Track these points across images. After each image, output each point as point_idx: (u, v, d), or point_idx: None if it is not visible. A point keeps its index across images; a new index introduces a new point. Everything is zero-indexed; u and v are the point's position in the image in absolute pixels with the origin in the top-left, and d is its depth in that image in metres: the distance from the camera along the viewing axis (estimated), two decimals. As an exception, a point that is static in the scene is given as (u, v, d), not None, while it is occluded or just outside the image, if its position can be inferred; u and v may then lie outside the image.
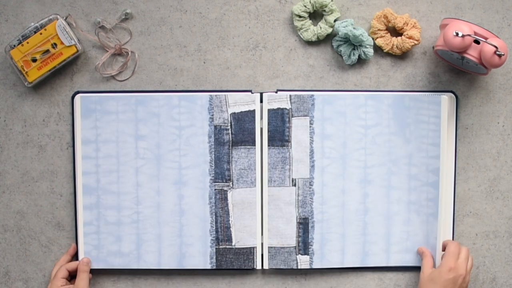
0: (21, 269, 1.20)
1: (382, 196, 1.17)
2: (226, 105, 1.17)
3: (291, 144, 1.17)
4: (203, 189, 1.18)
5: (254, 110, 1.17)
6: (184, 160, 1.17)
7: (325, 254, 1.18)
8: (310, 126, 1.17)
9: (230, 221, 1.18)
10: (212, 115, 1.17)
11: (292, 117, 1.17)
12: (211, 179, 1.18)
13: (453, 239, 1.19)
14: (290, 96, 1.16)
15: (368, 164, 1.17)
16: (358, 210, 1.17)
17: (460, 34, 1.06)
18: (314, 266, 1.18)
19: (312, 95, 1.16)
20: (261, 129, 1.17)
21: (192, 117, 1.17)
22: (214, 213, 1.18)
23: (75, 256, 1.19)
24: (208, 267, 1.18)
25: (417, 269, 1.19)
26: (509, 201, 1.20)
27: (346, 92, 1.17)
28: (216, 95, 1.17)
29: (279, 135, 1.17)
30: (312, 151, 1.17)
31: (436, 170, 1.14)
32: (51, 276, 1.17)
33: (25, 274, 1.20)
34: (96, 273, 1.19)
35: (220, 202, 1.18)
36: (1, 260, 1.20)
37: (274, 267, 1.18)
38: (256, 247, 1.18)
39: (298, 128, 1.17)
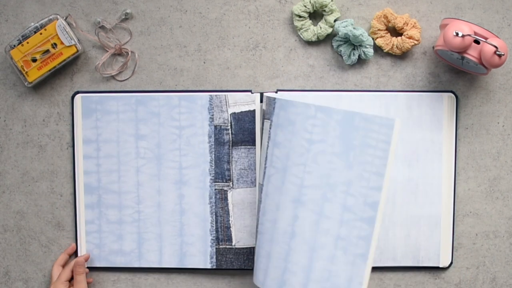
0: (21, 269, 1.21)
1: (312, 223, 1.06)
2: (226, 105, 1.17)
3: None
4: (203, 189, 1.18)
5: (254, 110, 1.17)
6: (185, 160, 1.17)
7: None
8: (269, 131, 1.10)
9: (230, 221, 1.18)
10: (212, 115, 1.17)
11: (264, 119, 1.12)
12: (211, 179, 1.18)
13: (453, 239, 1.19)
14: (263, 97, 1.16)
15: (304, 184, 1.06)
16: (286, 232, 1.08)
17: (460, 34, 1.06)
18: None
19: (274, 98, 1.09)
20: (261, 129, 1.17)
21: (192, 117, 1.17)
22: (214, 213, 1.18)
23: (74, 255, 1.19)
24: (208, 266, 1.18)
25: (418, 269, 1.19)
26: (509, 201, 1.20)
27: (346, 92, 1.17)
28: (216, 95, 1.17)
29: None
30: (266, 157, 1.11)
31: (374, 204, 1.02)
32: (51, 276, 1.17)
33: (25, 274, 1.21)
34: (96, 272, 1.20)
35: (220, 202, 1.18)
36: (1, 260, 1.21)
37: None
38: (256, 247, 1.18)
39: (264, 131, 1.11)
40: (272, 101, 1.09)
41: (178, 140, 1.17)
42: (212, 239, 1.18)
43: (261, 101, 1.17)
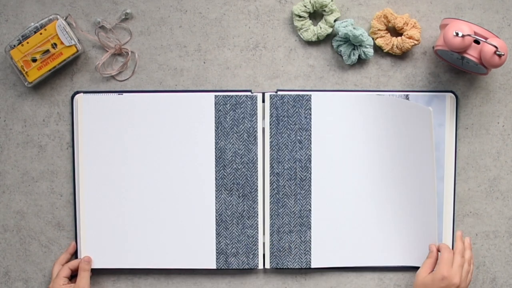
0: (21, 269, 1.20)
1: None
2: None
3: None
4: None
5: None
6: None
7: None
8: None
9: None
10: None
11: None
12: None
13: (453, 239, 1.19)
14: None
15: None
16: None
17: (460, 34, 1.06)
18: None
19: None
20: (263, 128, 1.17)
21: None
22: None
23: (74, 255, 1.19)
24: (209, 266, 1.18)
25: (418, 269, 1.19)
26: (509, 201, 1.20)
27: (346, 92, 1.17)
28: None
29: None
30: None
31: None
32: (51, 275, 1.17)
33: (25, 274, 1.20)
34: (96, 273, 1.19)
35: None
36: (1, 260, 1.20)
37: (274, 267, 1.18)
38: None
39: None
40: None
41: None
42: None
43: (263, 101, 1.17)
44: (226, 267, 1.18)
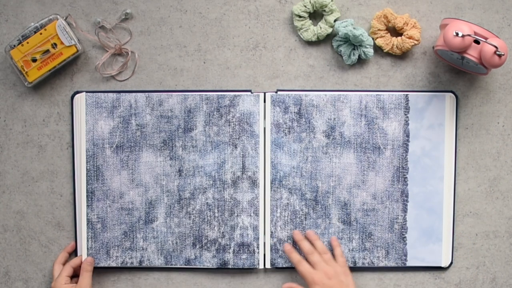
0: (21, 269, 1.20)
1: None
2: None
3: None
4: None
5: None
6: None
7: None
8: None
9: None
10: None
11: None
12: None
13: (453, 239, 1.19)
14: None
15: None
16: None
17: (460, 34, 1.06)
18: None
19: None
20: (264, 128, 1.17)
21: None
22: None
23: (73, 254, 1.19)
24: (209, 266, 1.18)
25: (418, 269, 1.19)
26: (509, 201, 1.20)
27: (346, 92, 1.17)
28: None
29: None
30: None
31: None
32: (53, 275, 1.17)
33: (25, 274, 1.20)
34: (96, 272, 1.19)
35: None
36: (1, 260, 1.20)
37: (274, 267, 1.18)
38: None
39: None
40: None
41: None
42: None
43: (264, 101, 1.17)
44: (226, 267, 1.18)
